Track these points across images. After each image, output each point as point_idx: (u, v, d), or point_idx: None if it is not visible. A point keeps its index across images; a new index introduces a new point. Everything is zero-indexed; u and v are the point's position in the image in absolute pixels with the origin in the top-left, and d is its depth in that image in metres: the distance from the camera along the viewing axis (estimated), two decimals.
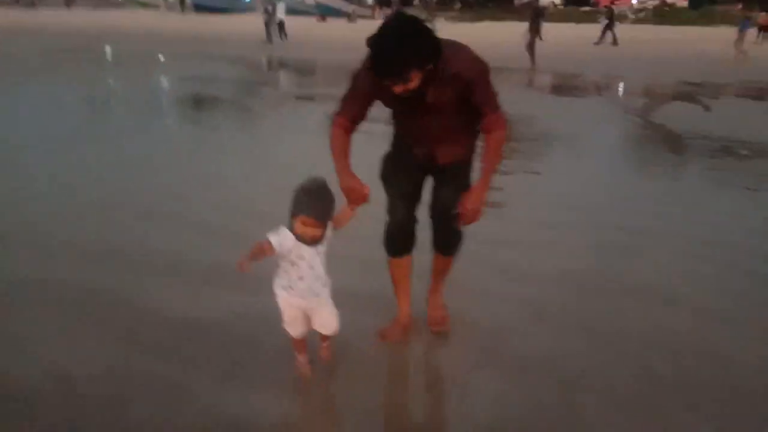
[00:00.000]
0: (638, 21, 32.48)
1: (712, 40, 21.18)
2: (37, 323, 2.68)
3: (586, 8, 37.13)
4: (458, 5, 38.45)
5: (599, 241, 3.83)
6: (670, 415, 2.19)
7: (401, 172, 2.39)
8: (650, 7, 35.24)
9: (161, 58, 15.65)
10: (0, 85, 10.42)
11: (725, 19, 28.90)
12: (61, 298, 2.91)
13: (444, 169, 2.35)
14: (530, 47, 14.73)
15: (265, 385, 2.28)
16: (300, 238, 2.01)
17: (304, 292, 2.11)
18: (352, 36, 22.98)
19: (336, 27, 28.62)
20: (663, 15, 32.86)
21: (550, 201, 4.63)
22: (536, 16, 14.66)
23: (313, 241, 2.04)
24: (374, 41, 1.92)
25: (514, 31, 16.00)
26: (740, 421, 2.17)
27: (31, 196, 4.43)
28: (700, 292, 3.15)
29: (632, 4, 36.25)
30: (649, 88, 11.79)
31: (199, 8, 37.32)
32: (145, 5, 38.59)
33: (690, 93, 10.88)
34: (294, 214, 1.99)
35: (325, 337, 2.35)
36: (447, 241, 2.49)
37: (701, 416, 2.18)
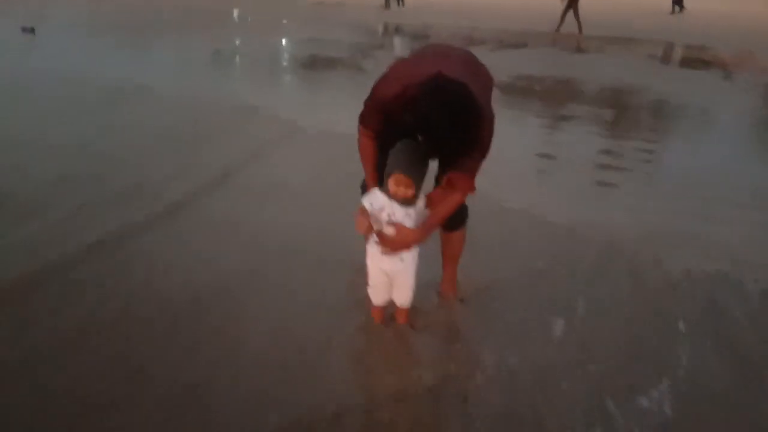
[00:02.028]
0: None
1: None
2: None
3: None
4: None
5: (675, 205, 3.92)
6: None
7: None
8: None
9: (284, 21, 16.60)
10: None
11: None
12: None
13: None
14: (566, 12, 14.08)
15: None
16: (393, 196, 2.05)
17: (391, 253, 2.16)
18: (468, 0, 22.77)
19: None
20: None
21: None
22: None
23: (405, 200, 2.05)
24: (423, 124, 1.84)
25: None
26: None
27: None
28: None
29: None
30: None
31: None
32: None
33: None
34: (388, 174, 2.03)
35: (397, 309, 2.41)
36: (452, 217, 2.29)
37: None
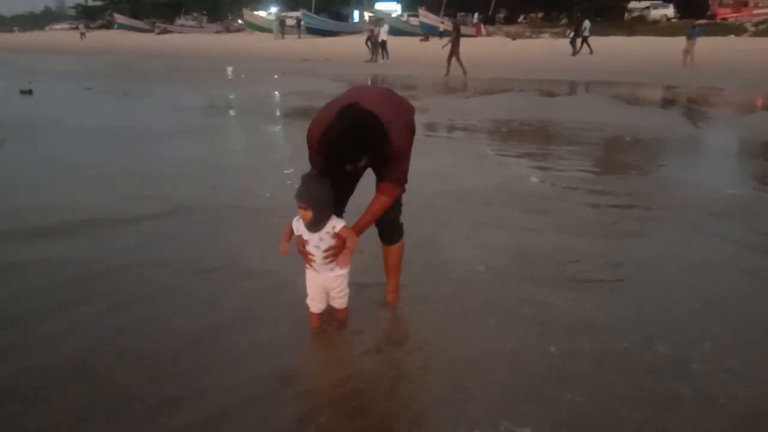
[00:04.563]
0: (758, 34, 30.45)
1: None
2: None
3: (702, 21, 35.22)
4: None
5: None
6: None
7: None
8: None
9: (275, 76, 17.46)
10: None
11: None
12: None
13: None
14: (450, 59, 17.15)
15: None
16: (303, 220, 2.42)
17: (318, 268, 2.52)
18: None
19: (436, 46, 29.57)
20: None
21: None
22: (457, 34, 17.51)
23: (307, 223, 2.39)
24: (330, 142, 2.17)
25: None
26: None
27: None
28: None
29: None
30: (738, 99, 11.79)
31: (312, 31, 39.60)
32: (262, 29, 41.68)
33: None
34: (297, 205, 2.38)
35: (337, 310, 2.75)
36: (390, 233, 2.75)
37: None
